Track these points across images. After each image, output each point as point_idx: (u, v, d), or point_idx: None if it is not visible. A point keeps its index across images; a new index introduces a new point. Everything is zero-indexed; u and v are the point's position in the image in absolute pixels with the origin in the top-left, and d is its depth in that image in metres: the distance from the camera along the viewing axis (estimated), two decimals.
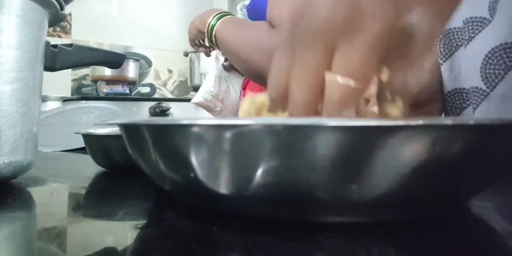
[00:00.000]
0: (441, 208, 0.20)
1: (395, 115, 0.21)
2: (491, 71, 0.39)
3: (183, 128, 0.18)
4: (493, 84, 0.40)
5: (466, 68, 0.43)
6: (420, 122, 0.15)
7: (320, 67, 0.20)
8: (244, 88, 0.85)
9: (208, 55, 0.85)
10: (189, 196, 0.22)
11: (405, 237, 0.17)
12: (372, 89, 0.22)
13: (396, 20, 0.20)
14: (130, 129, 0.22)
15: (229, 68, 0.92)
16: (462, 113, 0.45)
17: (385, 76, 0.21)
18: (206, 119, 0.18)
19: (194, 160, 0.18)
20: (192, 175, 0.18)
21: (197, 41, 0.77)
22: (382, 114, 0.22)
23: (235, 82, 0.91)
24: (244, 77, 0.84)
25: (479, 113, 0.42)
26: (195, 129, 0.18)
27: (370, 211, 0.18)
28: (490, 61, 0.39)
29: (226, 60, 0.91)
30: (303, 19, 0.21)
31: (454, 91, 0.46)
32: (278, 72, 0.22)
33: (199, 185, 0.19)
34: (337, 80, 0.20)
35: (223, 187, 0.18)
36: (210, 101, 0.85)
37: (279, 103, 0.23)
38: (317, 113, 0.21)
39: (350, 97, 0.20)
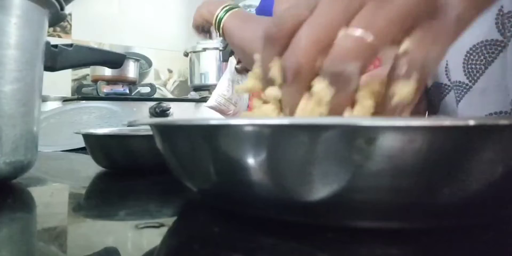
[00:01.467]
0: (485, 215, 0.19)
1: (404, 95, 0.20)
2: (473, 66, 0.41)
3: (236, 128, 0.17)
4: (475, 78, 0.41)
5: (450, 63, 0.44)
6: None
7: (339, 22, 0.19)
8: None
9: (211, 38, 0.86)
10: (228, 200, 0.21)
11: (407, 239, 0.17)
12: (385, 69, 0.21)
13: None
14: (167, 129, 0.22)
15: (241, 70, 0.92)
16: (442, 106, 0.46)
17: (405, 46, 0.20)
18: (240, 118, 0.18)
19: (247, 161, 0.17)
20: (241, 177, 0.18)
21: (200, 28, 0.78)
22: (391, 93, 0.21)
23: None
24: None
25: (462, 106, 0.43)
26: (252, 129, 0.17)
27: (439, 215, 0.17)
28: (471, 56, 0.41)
29: (238, 62, 0.91)
30: None
31: (436, 84, 0.47)
32: (290, 12, 0.21)
33: (249, 188, 0.18)
34: (353, 33, 0.18)
35: (282, 192, 0.17)
36: (223, 105, 0.85)
37: (274, 43, 0.21)
38: (312, 65, 0.20)
39: (362, 51, 0.19)
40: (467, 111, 0.42)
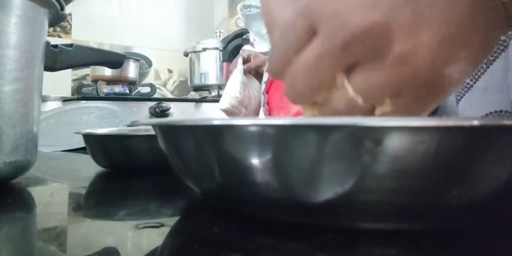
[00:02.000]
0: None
1: (386, 112, 0.21)
2: None
3: (244, 129, 0.17)
4: (476, 77, 0.42)
5: None
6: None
7: (334, 69, 0.20)
8: (267, 92, 0.84)
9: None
10: (232, 200, 0.21)
11: (406, 240, 0.17)
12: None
13: (437, 70, 0.20)
14: (169, 129, 0.22)
15: (249, 70, 0.91)
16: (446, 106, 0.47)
17: (385, 109, 0.21)
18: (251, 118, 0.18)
19: (254, 161, 0.17)
20: (250, 177, 0.18)
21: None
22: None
23: (254, 87, 0.90)
24: (265, 81, 0.82)
25: (463, 105, 0.43)
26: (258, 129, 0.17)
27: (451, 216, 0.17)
28: None
29: (244, 63, 0.90)
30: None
31: None
32: (278, 55, 0.22)
33: (255, 189, 0.18)
34: (349, 93, 0.20)
35: (294, 193, 0.17)
36: (236, 107, 0.85)
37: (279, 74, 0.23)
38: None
39: (352, 110, 0.21)
40: (467, 110, 0.42)
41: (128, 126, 0.47)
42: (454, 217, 0.17)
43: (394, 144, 0.15)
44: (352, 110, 0.21)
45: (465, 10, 0.19)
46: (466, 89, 0.43)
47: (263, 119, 0.20)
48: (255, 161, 0.17)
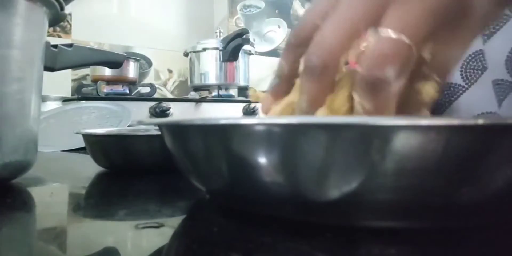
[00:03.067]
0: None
1: (431, 94, 0.20)
2: (470, 70, 0.44)
3: (253, 128, 0.17)
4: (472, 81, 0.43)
5: None
6: None
7: (365, 18, 0.19)
8: None
9: None
10: (242, 200, 0.21)
11: (405, 239, 0.17)
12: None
13: None
14: (176, 128, 0.22)
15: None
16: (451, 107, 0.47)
17: (429, 50, 0.19)
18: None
19: (264, 161, 0.17)
20: (263, 177, 0.18)
21: None
22: (418, 92, 0.20)
23: None
24: None
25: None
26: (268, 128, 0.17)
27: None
28: (470, 62, 0.44)
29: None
30: None
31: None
32: (311, 10, 0.21)
33: (264, 188, 0.18)
34: (390, 34, 0.18)
35: (307, 192, 0.17)
36: None
37: (297, 45, 0.21)
38: (333, 70, 0.19)
39: (402, 54, 0.18)
40: None
41: (136, 125, 0.47)
42: (463, 216, 0.17)
43: (403, 143, 0.15)
44: (403, 55, 0.18)
45: None
46: (461, 92, 0.43)
47: (273, 118, 0.19)
48: (265, 160, 0.17)
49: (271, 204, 0.19)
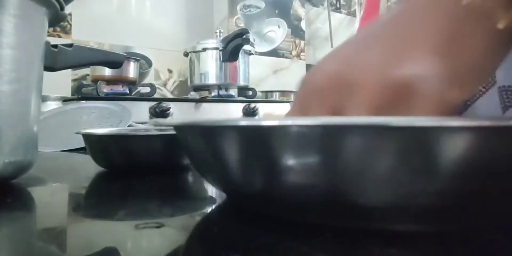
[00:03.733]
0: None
1: None
2: None
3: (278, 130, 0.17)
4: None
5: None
6: None
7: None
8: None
9: None
10: (267, 203, 0.20)
11: (405, 240, 0.17)
12: None
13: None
14: (206, 130, 0.21)
15: None
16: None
17: None
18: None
19: (301, 163, 0.17)
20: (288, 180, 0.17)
21: None
22: None
23: None
24: None
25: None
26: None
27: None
28: None
29: None
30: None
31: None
32: None
33: (298, 191, 0.17)
34: None
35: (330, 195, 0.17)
36: None
37: None
38: None
39: None
40: None
41: (154, 125, 0.46)
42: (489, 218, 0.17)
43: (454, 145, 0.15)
44: None
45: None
46: (481, 92, 0.43)
47: (320, 118, 0.19)
48: (302, 162, 0.17)
49: (312, 209, 0.18)
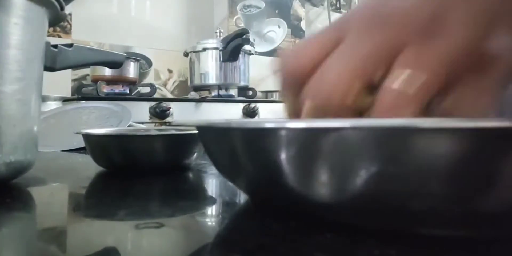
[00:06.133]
0: None
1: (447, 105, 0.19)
2: None
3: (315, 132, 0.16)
4: None
5: None
6: None
7: (374, 59, 0.18)
8: None
9: None
10: (295, 202, 0.20)
11: (405, 240, 0.17)
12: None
13: (479, 42, 0.18)
14: (219, 130, 0.21)
15: None
16: None
17: (446, 104, 0.19)
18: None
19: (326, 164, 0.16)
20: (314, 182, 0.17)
21: None
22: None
23: None
24: None
25: None
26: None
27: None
28: None
29: None
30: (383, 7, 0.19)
31: None
32: (311, 47, 0.20)
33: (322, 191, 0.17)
34: (407, 75, 0.17)
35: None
36: None
37: (294, 84, 0.20)
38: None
39: (421, 96, 0.17)
40: None
41: (173, 125, 0.46)
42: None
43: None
44: (418, 95, 0.17)
45: None
46: None
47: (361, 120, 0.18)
48: (335, 165, 0.16)
49: (336, 209, 0.18)
